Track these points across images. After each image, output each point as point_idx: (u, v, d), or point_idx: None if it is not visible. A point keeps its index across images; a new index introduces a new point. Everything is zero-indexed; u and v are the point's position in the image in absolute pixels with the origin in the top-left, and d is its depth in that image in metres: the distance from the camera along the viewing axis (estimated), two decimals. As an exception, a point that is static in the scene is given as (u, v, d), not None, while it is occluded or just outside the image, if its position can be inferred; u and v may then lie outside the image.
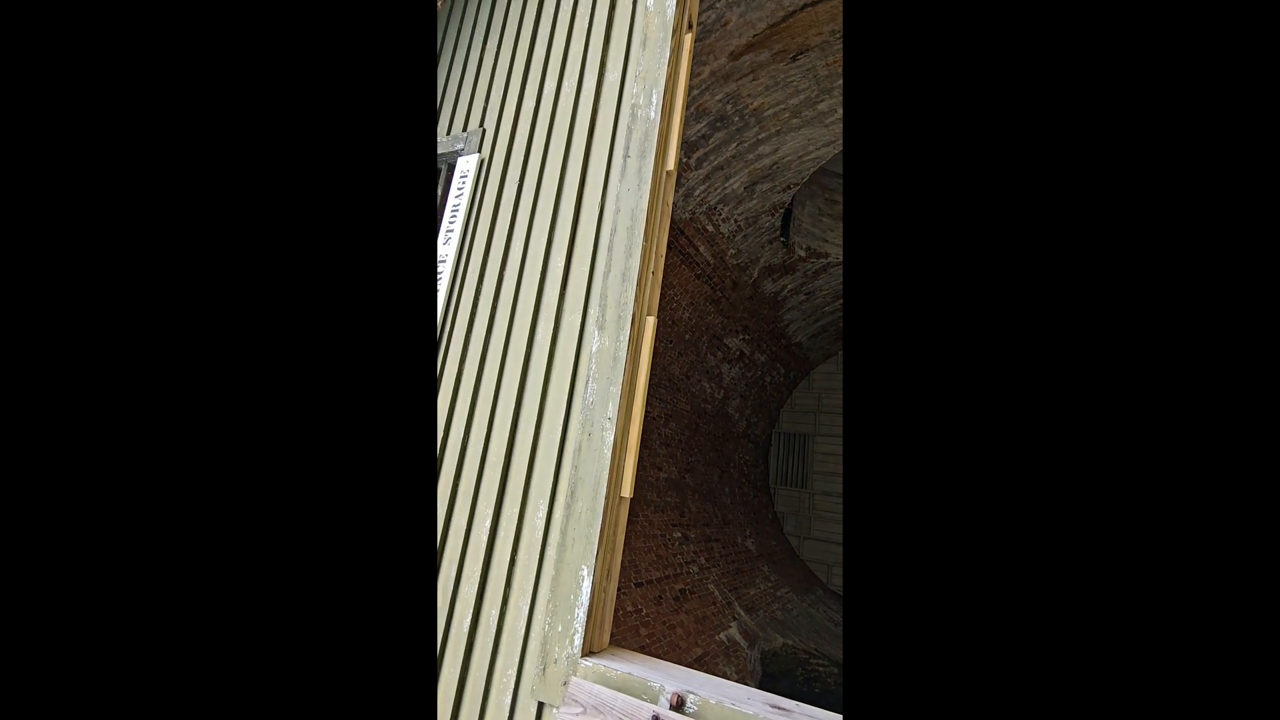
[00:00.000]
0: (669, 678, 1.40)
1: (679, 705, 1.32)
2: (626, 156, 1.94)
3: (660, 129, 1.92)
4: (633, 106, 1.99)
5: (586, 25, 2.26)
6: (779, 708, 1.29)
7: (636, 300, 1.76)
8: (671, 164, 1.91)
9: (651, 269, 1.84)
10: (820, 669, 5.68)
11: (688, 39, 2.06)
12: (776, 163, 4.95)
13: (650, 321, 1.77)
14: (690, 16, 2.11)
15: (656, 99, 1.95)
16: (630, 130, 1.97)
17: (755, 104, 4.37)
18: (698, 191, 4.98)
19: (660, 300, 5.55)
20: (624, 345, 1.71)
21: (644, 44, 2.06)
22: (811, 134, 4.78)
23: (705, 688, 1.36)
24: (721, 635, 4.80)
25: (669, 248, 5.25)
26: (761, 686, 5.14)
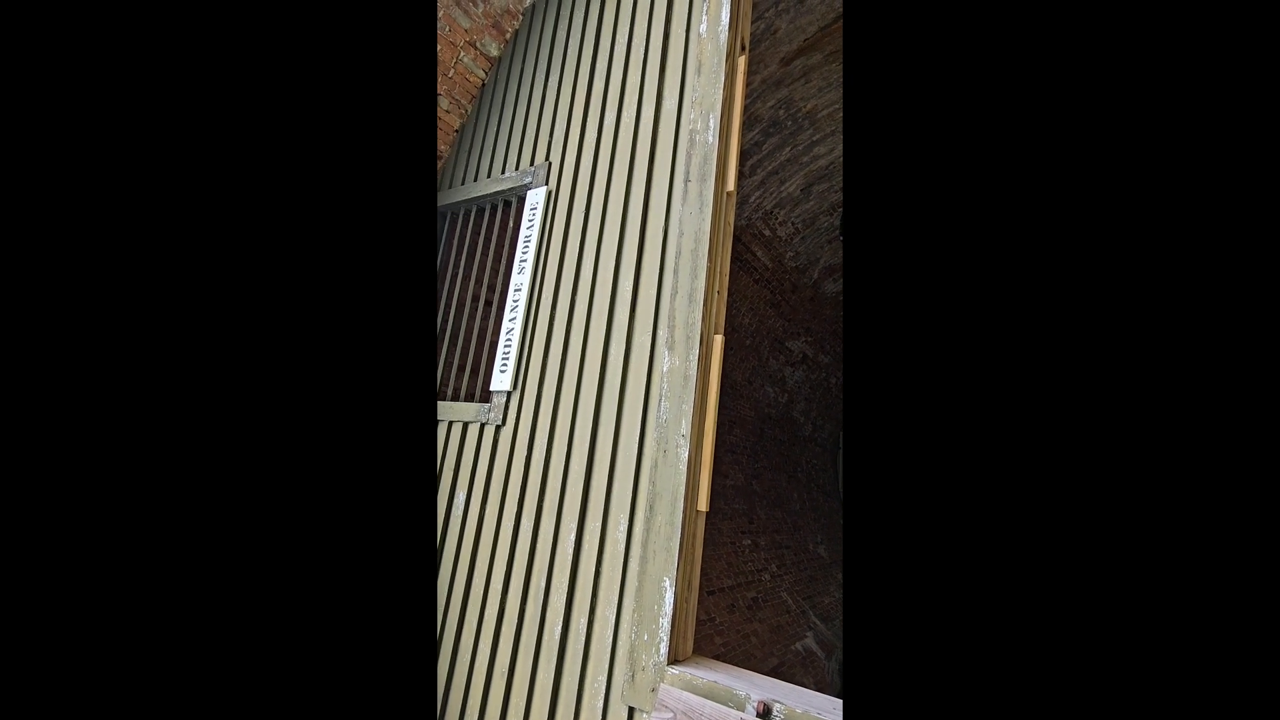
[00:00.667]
0: (754, 686, 1.45)
1: (765, 713, 1.37)
2: (687, 181, 2.01)
3: (719, 151, 1.99)
4: (691, 132, 2.07)
5: (643, 55, 2.36)
6: (867, 720, 1.31)
7: (704, 320, 1.82)
8: (731, 185, 1.97)
9: (717, 289, 1.90)
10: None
11: (741, 61, 2.11)
12: (833, 163, 4.87)
13: (718, 340, 1.83)
14: (743, 38, 2.17)
15: (714, 123, 2.02)
16: (689, 155, 2.04)
17: (808, 106, 4.34)
18: (753, 198, 4.98)
19: (719, 308, 5.58)
20: (694, 364, 1.78)
21: (699, 70, 2.13)
22: (869, 130, 4.67)
23: (791, 696, 1.40)
24: (797, 645, 4.73)
25: (726, 255, 5.28)
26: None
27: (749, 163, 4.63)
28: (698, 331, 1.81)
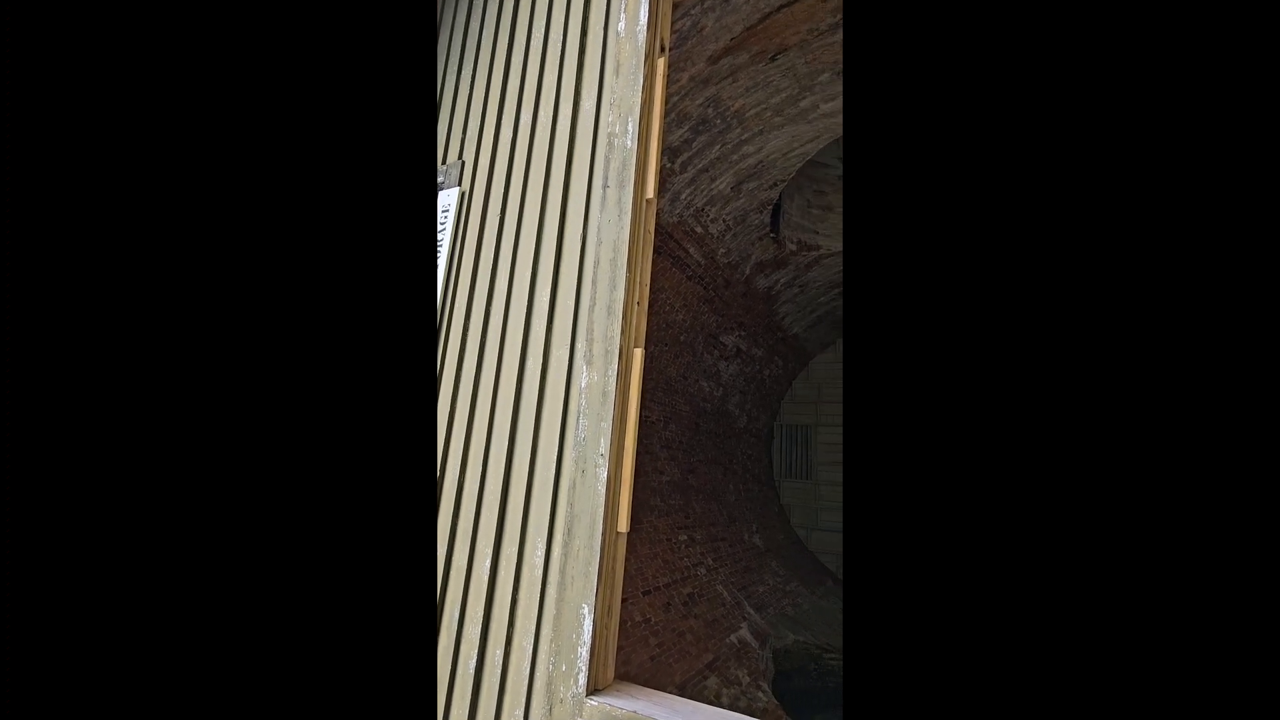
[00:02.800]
0: (673, 714, 1.42)
1: (684, 742, 1.34)
2: (605, 186, 1.94)
3: (638, 157, 1.92)
4: (609, 135, 1.99)
5: (559, 52, 2.25)
6: (782, 740, 1.31)
7: (623, 333, 1.76)
8: (650, 192, 1.91)
9: (637, 299, 1.84)
10: (833, 663, 5.73)
11: (660, 63, 2.05)
12: (762, 161, 4.94)
13: (638, 354, 1.77)
14: (663, 39, 2.10)
15: (632, 127, 1.95)
16: (608, 160, 1.96)
17: (736, 105, 4.35)
18: (684, 195, 4.97)
19: (652, 304, 5.55)
20: (613, 379, 1.72)
21: (617, 71, 2.05)
22: (795, 131, 4.76)
23: (695, 717, 1.38)
24: (732, 637, 4.84)
25: (658, 253, 5.25)
26: (774, 685, 5.18)
27: (679, 160, 4.61)
28: (616, 345, 1.74)
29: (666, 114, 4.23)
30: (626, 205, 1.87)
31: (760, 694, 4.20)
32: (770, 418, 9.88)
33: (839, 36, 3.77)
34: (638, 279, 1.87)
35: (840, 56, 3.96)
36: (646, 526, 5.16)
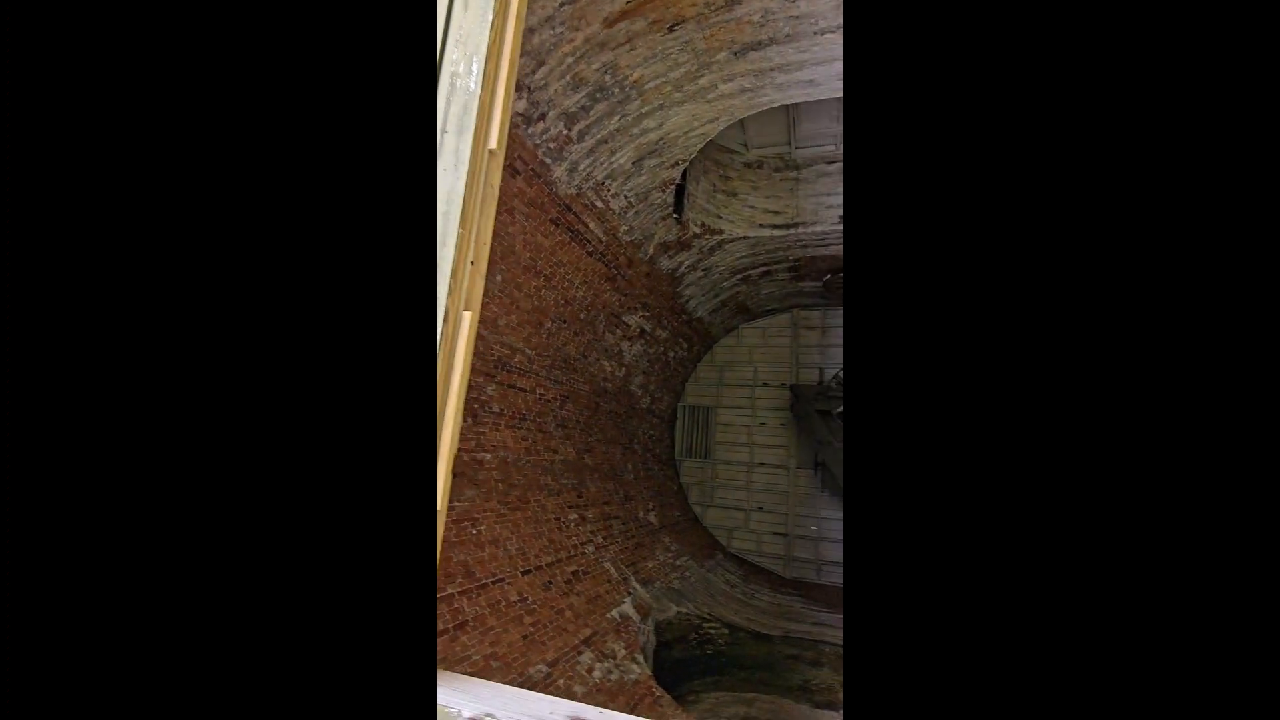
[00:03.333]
0: (472, 699, 1.33)
1: (478, 728, 1.26)
2: (444, 132, 1.75)
3: (482, 102, 1.75)
4: (452, 75, 1.80)
5: (406, -22, 2.00)
6: (579, 718, 1.27)
7: (451, 294, 1.61)
8: (494, 142, 1.75)
9: (471, 259, 1.69)
10: (712, 632, 5.97)
11: (514, 2, 1.88)
12: (663, 138, 4.87)
13: (468, 318, 1.63)
14: (519, -23, 1.93)
15: (477, 68, 1.77)
16: (449, 102, 1.78)
17: (635, 75, 4.23)
18: (582, 166, 4.80)
19: (550, 279, 5.37)
20: (439, 342, 1.57)
21: (465, 5, 1.86)
22: (695, 110, 4.73)
23: (510, 705, 1.31)
24: (614, 612, 4.88)
25: (556, 225, 5.06)
26: (655, 655, 5.31)
27: (576, 127, 4.43)
28: (442, 306, 1.59)
29: (561, 76, 4.03)
30: (465, 155, 1.71)
31: (635, 666, 4.27)
32: (674, 398, 10.06)
33: (735, 14, 3.75)
34: (474, 236, 1.72)
35: (736, 36, 3.94)
36: (534, 506, 5.05)
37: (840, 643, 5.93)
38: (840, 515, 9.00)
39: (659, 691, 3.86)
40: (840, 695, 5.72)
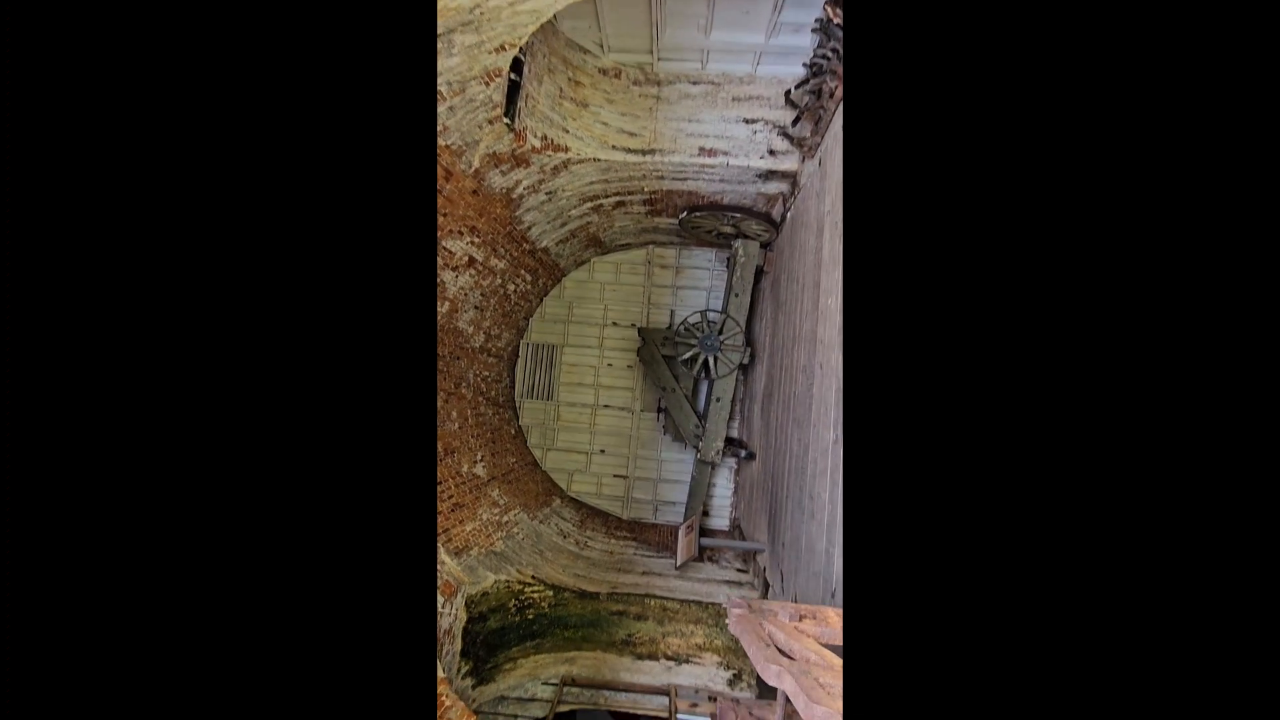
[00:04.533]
0: None
1: None
2: None
3: None
4: None
5: None
6: None
7: None
8: None
9: None
10: (535, 595, 5.58)
11: None
12: (478, 5, 3.65)
13: None
14: None
15: None
16: None
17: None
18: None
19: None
20: None
21: None
22: (525, -23, 3.58)
23: None
24: (407, 601, 4.16)
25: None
26: (466, 632, 4.78)
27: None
28: None
29: None
30: None
31: (424, 669, 3.64)
32: (516, 336, 9.13)
33: None
34: None
35: None
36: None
37: (665, 595, 5.92)
38: (679, 457, 9.12)
39: (449, 700, 3.30)
40: (661, 645, 5.75)
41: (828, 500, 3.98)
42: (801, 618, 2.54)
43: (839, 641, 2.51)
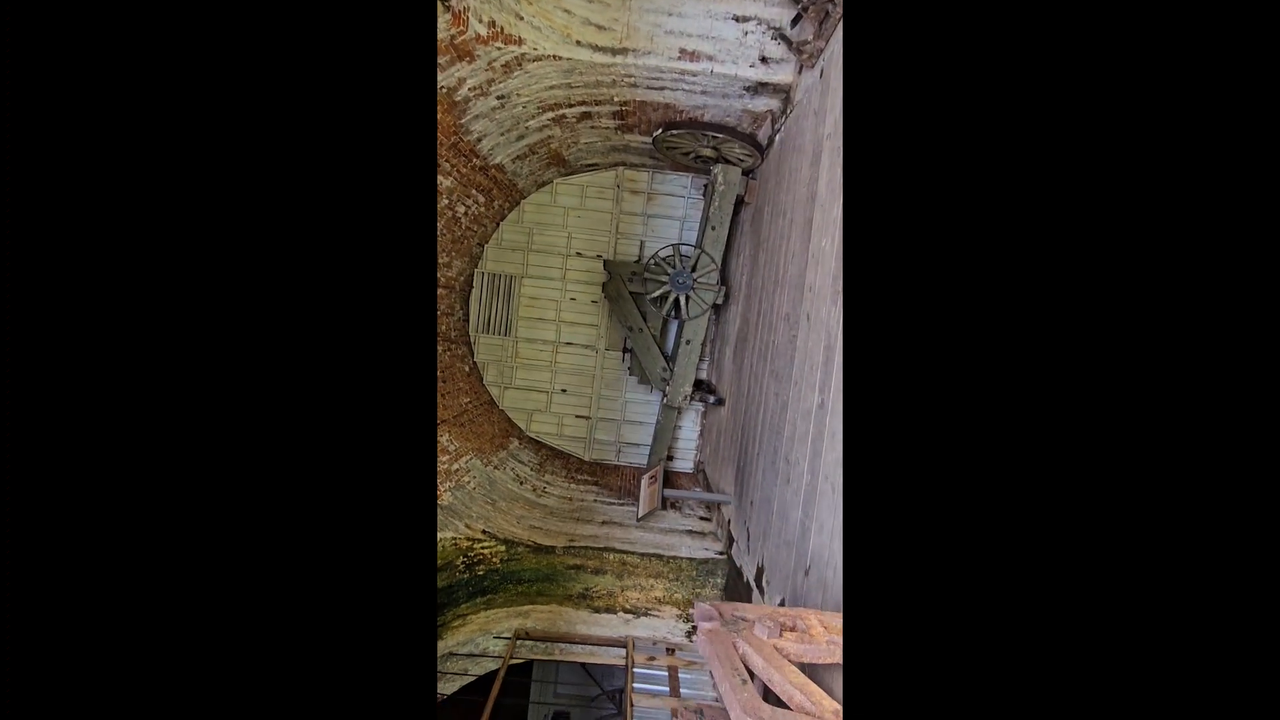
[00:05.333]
0: None
1: None
2: None
3: None
4: None
5: None
6: None
7: None
8: None
9: None
10: (485, 552, 5.22)
11: None
12: None
13: None
14: None
15: None
16: None
17: None
18: None
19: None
20: None
21: None
22: None
23: None
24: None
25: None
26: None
27: None
28: None
29: None
30: None
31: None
32: (469, 264, 8.26)
33: None
34: None
35: None
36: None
37: (625, 549, 5.66)
38: (644, 399, 8.73)
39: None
40: (620, 599, 5.54)
41: (806, 470, 3.60)
42: (782, 630, 2.16)
43: (823, 659, 2.15)
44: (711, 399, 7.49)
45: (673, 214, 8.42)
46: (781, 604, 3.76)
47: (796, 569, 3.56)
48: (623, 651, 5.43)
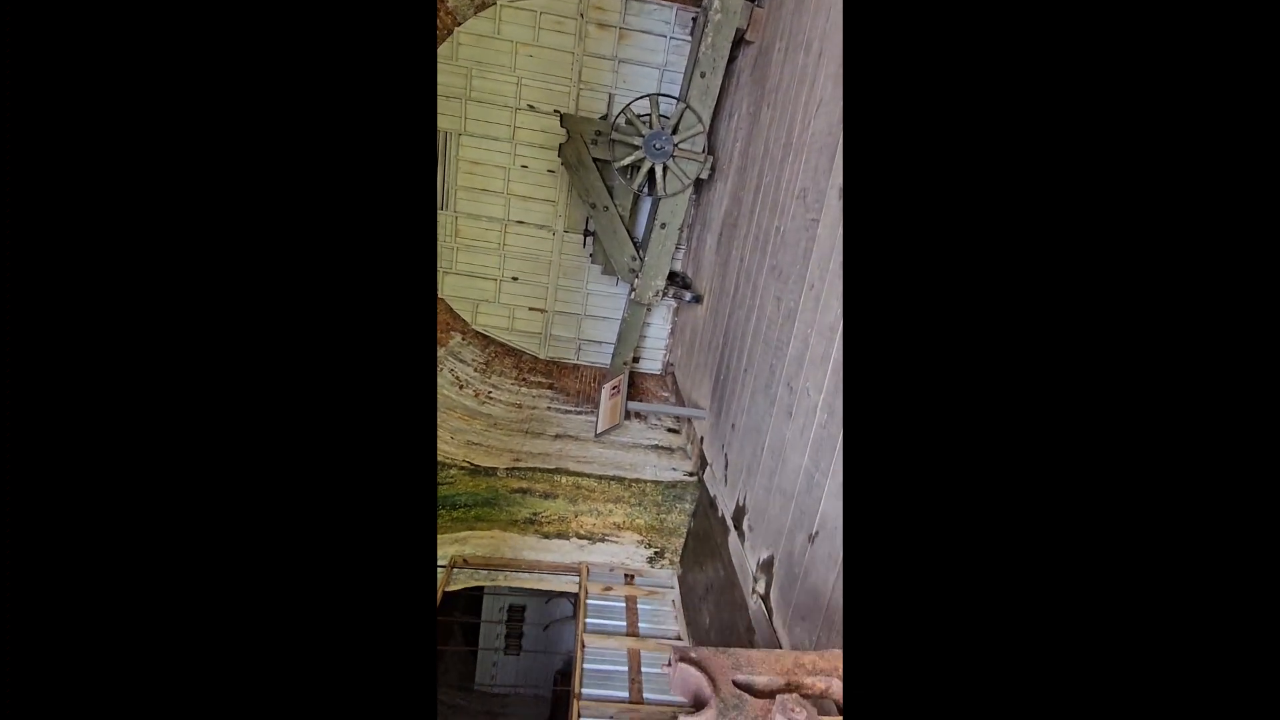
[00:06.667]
0: None
1: None
2: None
3: None
4: None
5: None
6: None
7: None
8: None
9: None
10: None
11: None
12: None
13: None
14: None
15: None
16: None
17: None
18: None
19: None
20: None
21: None
22: None
23: None
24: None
25: None
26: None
27: None
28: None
29: None
30: None
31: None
32: (389, 111, 6.47)
33: None
34: None
35: None
36: None
37: (580, 471, 4.85)
38: (610, 291, 7.58)
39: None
40: (573, 525, 4.83)
41: (821, 406, 2.66)
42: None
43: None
44: (687, 295, 6.41)
45: (651, 59, 6.67)
46: (769, 562, 3.02)
47: (795, 529, 2.75)
48: (576, 578, 4.82)
